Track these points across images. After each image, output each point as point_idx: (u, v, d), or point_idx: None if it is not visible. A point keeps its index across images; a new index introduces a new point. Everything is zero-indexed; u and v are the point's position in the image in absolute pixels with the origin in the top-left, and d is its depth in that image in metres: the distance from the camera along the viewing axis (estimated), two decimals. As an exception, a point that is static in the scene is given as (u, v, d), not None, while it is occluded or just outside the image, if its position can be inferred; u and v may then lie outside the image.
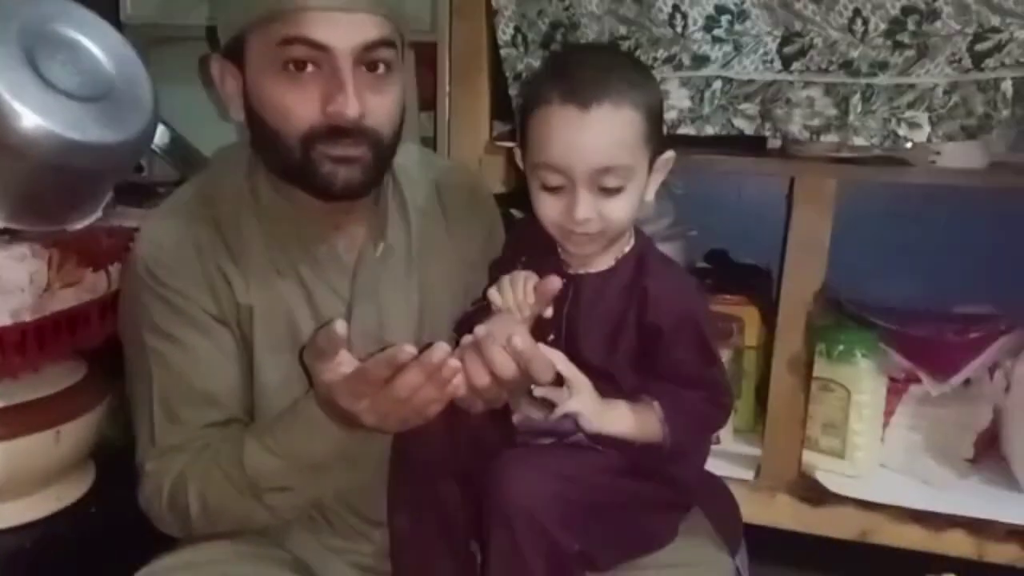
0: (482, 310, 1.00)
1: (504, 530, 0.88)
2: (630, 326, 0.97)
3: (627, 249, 1.01)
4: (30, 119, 1.10)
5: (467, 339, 0.90)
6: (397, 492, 1.03)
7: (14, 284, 1.11)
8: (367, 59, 0.93)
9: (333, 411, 0.91)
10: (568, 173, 0.92)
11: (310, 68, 0.92)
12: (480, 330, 0.89)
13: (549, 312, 0.96)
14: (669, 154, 0.99)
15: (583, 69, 0.94)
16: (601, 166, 0.91)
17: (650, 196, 1.00)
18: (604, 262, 1.00)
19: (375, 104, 0.94)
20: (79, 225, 1.24)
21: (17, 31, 1.14)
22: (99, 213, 1.27)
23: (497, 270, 1.08)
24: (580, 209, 0.92)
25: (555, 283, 0.93)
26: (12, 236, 1.17)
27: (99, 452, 1.37)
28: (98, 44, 1.21)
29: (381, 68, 0.95)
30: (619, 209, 0.94)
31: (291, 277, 1.02)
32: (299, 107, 0.93)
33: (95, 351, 1.29)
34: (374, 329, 1.04)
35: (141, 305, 1.01)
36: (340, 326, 0.86)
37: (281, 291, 1.02)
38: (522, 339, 0.89)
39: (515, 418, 0.96)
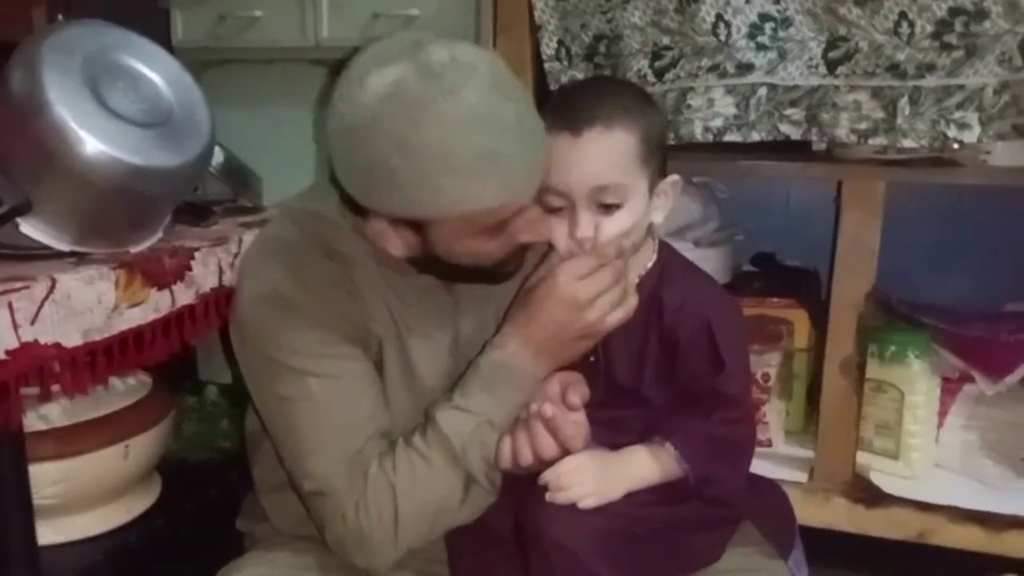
0: None
1: (543, 565, 0.91)
2: (653, 341, 1.00)
3: (649, 265, 1.04)
4: (94, 146, 1.14)
5: (533, 409, 0.96)
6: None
7: (84, 305, 1.14)
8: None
9: (534, 338, 0.97)
10: (567, 195, 0.96)
11: (501, 225, 0.95)
12: (537, 407, 0.96)
13: None
14: (674, 178, 1.02)
15: (577, 97, 0.98)
16: (596, 185, 0.95)
17: (659, 219, 1.03)
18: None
19: None
20: (142, 246, 1.28)
21: (80, 62, 1.17)
22: (160, 234, 1.31)
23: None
24: (580, 229, 0.96)
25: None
26: (79, 259, 1.20)
27: (164, 464, 1.42)
28: (157, 72, 1.25)
29: None
30: (618, 226, 0.97)
31: (400, 305, 1.04)
32: (497, 249, 0.97)
33: (159, 367, 1.33)
34: (475, 351, 1.05)
35: (279, 334, 0.99)
36: (628, 241, 0.98)
37: (394, 317, 1.04)
38: (551, 407, 0.95)
39: None
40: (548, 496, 0.92)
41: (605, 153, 0.95)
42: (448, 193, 0.89)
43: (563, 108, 0.97)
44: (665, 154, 1.02)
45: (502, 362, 0.98)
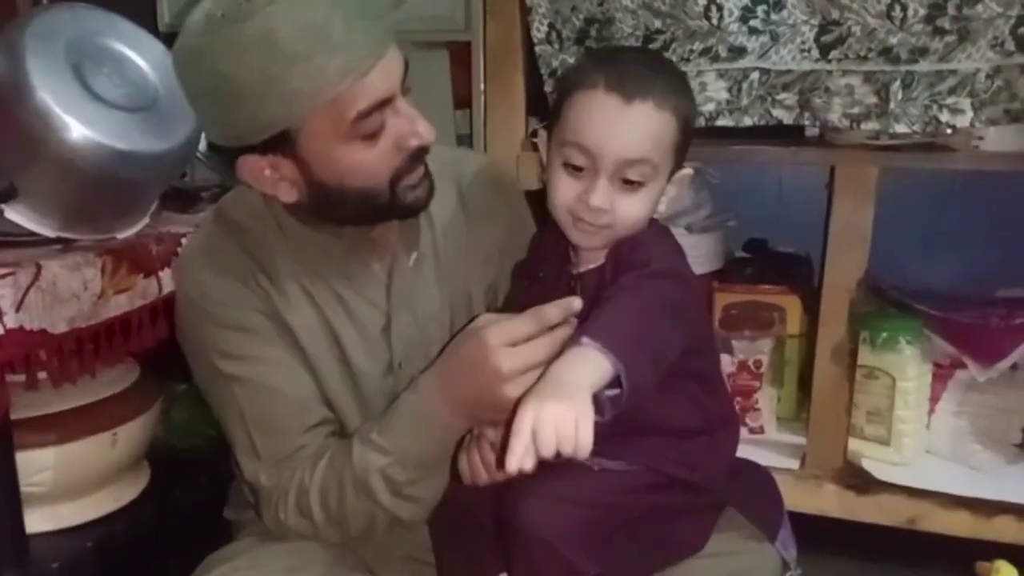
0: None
1: (525, 560, 0.89)
2: None
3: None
4: (79, 131, 1.13)
5: (475, 431, 0.97)
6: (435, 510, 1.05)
7: (70, 292, 1.14)
8: (405, 85, 0.95)
9: (452, 394, 0.94)
10: (596, 158, 0.93)
11: (378, 123, 0.93)
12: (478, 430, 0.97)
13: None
14: (687, 171, 1.00)
15: (633, 64, 0.95)
16: (630, 158, 0.92)
17: (662, 208, 1.00)
18: (603, 255, 1.00)
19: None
20: (128, 232, 1.27)
21: (64, 45, 1.16)
22: (147, 220, 1.30)
23: (517, 272, 1.10)
24: (596, 196, 0.93)
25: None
26: (65, 245, 1.20)
27: (153, 452, 1.41)
28: (142, 55, 1.24)
29: (408, 86, 0.96)
30: (632, 206, 0.94)
31: (327, 294, 1.04)
32: (381, 159, 0.94)
33: (146, 354, 1.32)
34: (414, 335, 1.06)
35: (205, 339, 1.03)
36: (578, 303, 0.91)
37: (320, 308, 1.03)
38: (492, 431, 0.95)
39: None
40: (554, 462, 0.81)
41: (650, 129, 0.92)
42: (286, 84, 0.87)
43: (614, 70, 0.93)
44: (689, 144, 1.00)
45: (419, 409, 0.97)
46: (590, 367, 0.80)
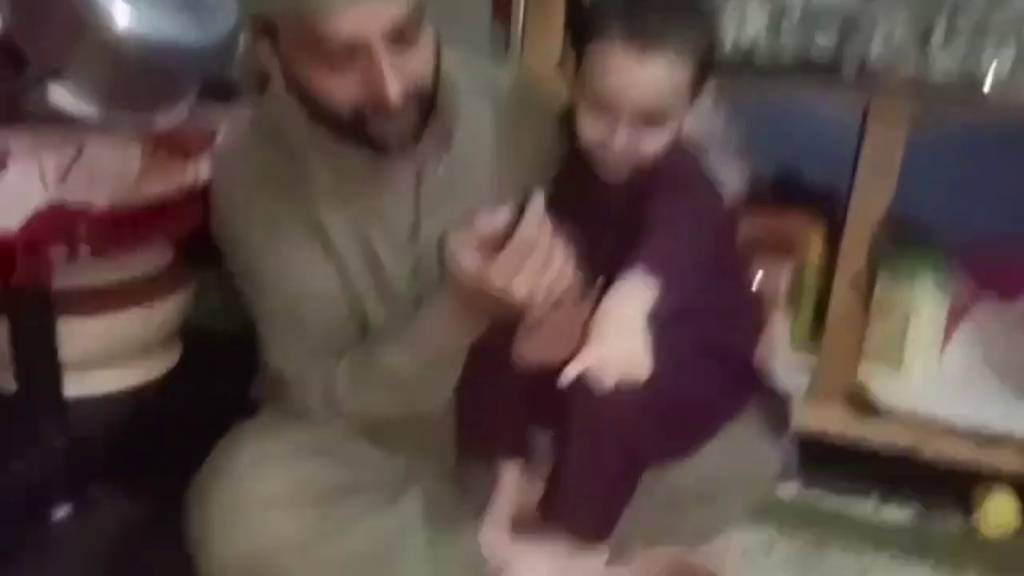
0: None
1: (590, 434, 0.96)
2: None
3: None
4: (124, 18, 1.15)
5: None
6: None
7: (111, 170, 1.18)
8: (397, 36, 0.91)
9: (468, 300, 0.97)
10: (615, 108, 0.96)
11: (345, 57, 0.90)
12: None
13: None
14: (708, 86, 1.01)
15: (648, 8, 0.95)
16: (646, 108, 0.95)
17: (689, 125, 1.02)
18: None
19: (413, 70, 0.94)
20: (168, 120, 1.30)
21: (117, -64, 1.18)
22: (186, 110, 1.33)
23: (556, 179, 1.11)
24: (618, 140, 0.97)
25: None
26: (107, 128, 1.23)
27: (185, 333, 1.48)
28: (191, -50, 1.26)
29: (412, 37, 0.93)
30: (655, 142, 0.98)
31: (359, 198, 1.06)
32: (342, 91, 0.93)
33: (180, 238, 1.37)
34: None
35: (239, 234, 1.06)
36: (539, 200, 0.92)
37: (351, 210, 1.06)
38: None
39: None
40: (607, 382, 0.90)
41: (665, 81, 0.94)
42: None
43: (630, 18, 0.94)
44: (712, 68, 1.00)
45: (444, 314, 1.00)
46: (644, 297, 0.91)
